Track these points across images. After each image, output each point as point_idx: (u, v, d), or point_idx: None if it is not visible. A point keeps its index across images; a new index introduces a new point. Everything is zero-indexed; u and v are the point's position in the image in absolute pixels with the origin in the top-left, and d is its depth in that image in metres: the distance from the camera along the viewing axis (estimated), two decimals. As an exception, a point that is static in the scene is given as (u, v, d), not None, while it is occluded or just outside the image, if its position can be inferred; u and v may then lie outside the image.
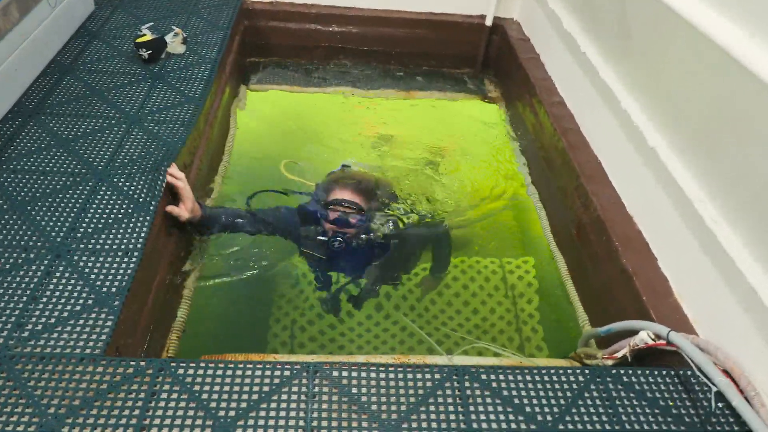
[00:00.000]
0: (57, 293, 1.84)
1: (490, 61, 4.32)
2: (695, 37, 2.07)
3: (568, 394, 1.68)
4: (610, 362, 2.05)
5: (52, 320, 1.76)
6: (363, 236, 2.56)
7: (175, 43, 3.20)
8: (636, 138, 2.38)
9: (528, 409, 1.63)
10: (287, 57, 4.30)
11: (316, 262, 2.70)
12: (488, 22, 4.10)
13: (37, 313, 1.78)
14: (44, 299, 1.82)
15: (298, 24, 4.18)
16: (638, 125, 2.37)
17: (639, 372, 1.76)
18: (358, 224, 2.50)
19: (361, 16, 4.16)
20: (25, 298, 1.81)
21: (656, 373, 1.76)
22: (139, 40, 3.05)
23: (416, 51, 4.29)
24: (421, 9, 4.17)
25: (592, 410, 1.64)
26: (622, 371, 1.76)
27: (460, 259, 3.06)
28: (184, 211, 2.31)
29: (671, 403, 1.67)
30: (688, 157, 2.11)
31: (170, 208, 2.30)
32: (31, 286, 1.86)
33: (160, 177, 2.30)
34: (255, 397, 1.60)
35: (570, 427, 1.59)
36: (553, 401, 1.66)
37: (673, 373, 1.76)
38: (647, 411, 1.65)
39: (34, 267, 1.92)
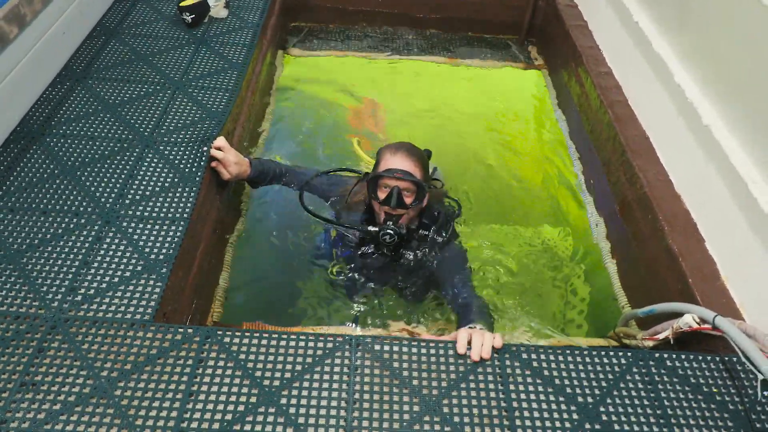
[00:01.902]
0: (107, 259, 1.89)
1: (535, 27, 4.21)
2: (761, 9, 1.98)
3: (610, 376, 1.68)
4: (650, 343, 2.04)
5: (104, 285, 1.81)
6: (422, 230, 2.21)
7: (218, 7, 3.19)
8: (689, 114, 2.30)
9: (569, 390, 1.63)
10: (328, 21, 4.25)
11: (347, 253, 2.39)
12: (535, -13, 3.98)
13: (89, 278, 1.83)
14: (95, 264, 1.87)
15: (339, -13, 4.13)
16: (692, 101, 2.29)
17: (683, 356, 1.75)
18: (414, 204, 2.14)
19: (405, -20, 4.09)
20: (77, 263, 1.87)
21: (700, 358, 1.74)
22: (182, 3, 3.05)
23: (460, 16, 4.20)
24: (465, -27, 4.07)
25: (633, 393, 1.63)
26: (665, 355, 1.75)
27: (498, 229, 3.03)
28: (225, 173, 2.31)
29: (715, 390, 1.66)
30: (745, 136, 2.04)
31: (215, 164, 2.29)
32: (83, 251, 1.91)
33: (206, 150, 2.31)
34: (299, 367, 1.64)
35: (611, 409, 1.59)
36: (594, 383, 1.65)
37: (717, 358, 1.74)
38: (690, 396, 1.64)
39: (85, 232, 1.97)
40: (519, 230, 2.97)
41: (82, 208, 2.05)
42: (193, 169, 2.25)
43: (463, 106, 3.73)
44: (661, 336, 1.98)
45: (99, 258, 1.89)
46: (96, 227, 1.99)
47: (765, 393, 1.63)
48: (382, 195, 2.13)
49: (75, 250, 1.91)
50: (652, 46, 2.65)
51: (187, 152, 2.32)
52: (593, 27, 3.47)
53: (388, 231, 2.12)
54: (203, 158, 2.29)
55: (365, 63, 3.96)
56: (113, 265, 1.88)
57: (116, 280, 1.83)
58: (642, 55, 2.76)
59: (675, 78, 2.43)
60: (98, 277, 1.84)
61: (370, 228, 2.18)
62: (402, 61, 3.98)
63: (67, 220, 2.00)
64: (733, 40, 2.17)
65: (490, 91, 3.88)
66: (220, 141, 2.30)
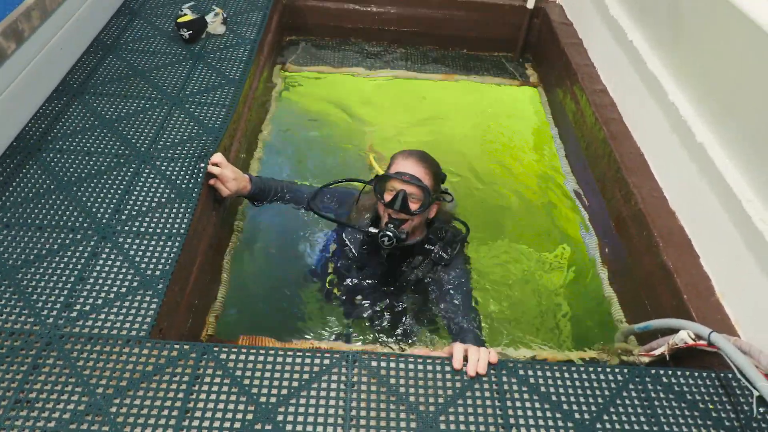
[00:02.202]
0: (103, 274, 1.89)
1: (530, 45, 4.24)
2: (752, 29, 2.01)
3: (606, 392, 1.68)
4: (646, 359, 2.04)
5: (99, 301, 1.81)
6: (427, 245, 2.20)
7: (215, 23, 3.21)
8: (683, 132, 2.33)
9: (566, 406, 1.63)
10: (324, 37, 4.28)
11: (345, 262, 2.39)
12: (530, 5, 4.02)
13: (85, 293, 1.83)
14: (91, 280, 1.87)
15: (335, 3, 4.16)
16: (686, 119, 2.32)
17: (678, 373, 1.75)
18: (418, 212, 2.11)
19: (400, -3, 4.12)
20: (73, 279, 1.86)
21: (696, 374, 1.75)
22: (180, 20, 3.07)
23: (455, 33, 4.23)
24: (461, -10, 4.11)
25: (630, 410, 1.63)
26: (661, 371, 1.75)
27: (494, 244, 3.04)
28: (224, 189, 2.31)
29: (711, 406, 1.66)
30: (738, 154, 2.06)
31: (213, 181, 2.29)
32: (78, 266, 1.90)
33: (203, 166, 2.32)
34: (295, 384, 1.63)
35: (608, 426, 1.59)
36: (591, 399, 1.65)
37: (713, 375, 1.75)
38: (686, 413, 1.64)
39: (81, 248, 1.96)
40: (514, 246, 2.97)
41: (78, 224, 2.05)
42: (190, 185, 2.25)
43: (458, 124, 3.76)
44: (657, 352, 1.98)
45: (95, 274, 1.89)
46: (92, 243, 1.99)
47: (760, 409, 1.64)
48: (388, 197, 2.12)
49: (71, 265, 1.91)
50: (647, 65, 2.68)
51: (183, 168, 2.32)
52: (588, 45, 3.51)
53: (387, 233, 2.10)
54: (200, 174, 2.29)
55: (361, 79, 3.98)
56: (109, 281, 1.87)
57: (112, 295, 1.83)
58: (636, 73, 2.79)
59: (669, 96, 2.46)
60: (94, 293, 1.83)
61: (371, 229, 2.18)
62: (398, 78, 4.01)
63: (63, 235, 2.00)
64: (725, 59, 2.20)
65: (486, 109, 3.90)
66: (218, 157, 2.30)
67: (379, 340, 2.26)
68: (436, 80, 4.02)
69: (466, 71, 4.11)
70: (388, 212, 2.13)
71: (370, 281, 2.33)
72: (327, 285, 2.41)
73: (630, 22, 3.00)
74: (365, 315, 2.34)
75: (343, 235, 2.37)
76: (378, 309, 2.33)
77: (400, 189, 2.08)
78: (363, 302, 2.34)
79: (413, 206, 2.09)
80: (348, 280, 2.36)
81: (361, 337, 2.30)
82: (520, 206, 3.25)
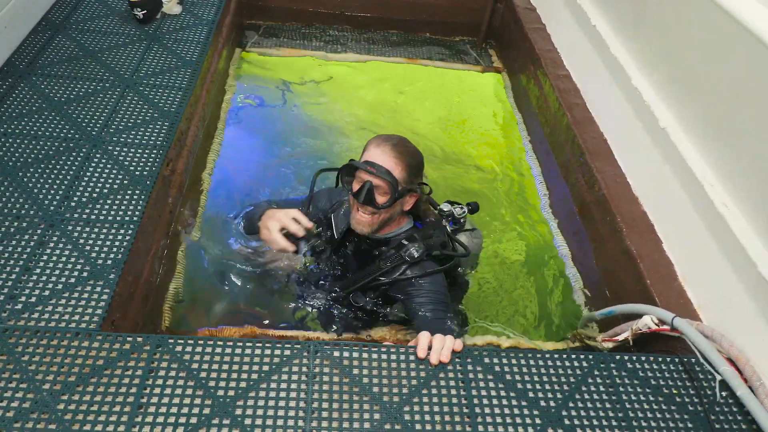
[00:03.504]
0: (51, 264, 1.79)
1: (493, 30, 4.21)
2: (715, 13, 2.00)
3: (572, 379, 1.66)
4: (609, 345, 2.04)
5: (46, 292, 1.72)
6: (404, 240, 2.01)
7: (171, 3, 3.09)
8: (646, 117, 2.32)
9: (531, 394, 1.61)
10: (286, 20, 4.17)
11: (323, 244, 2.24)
12: (493, -11, 3.99)
13: (31, 284, 1.73)
14: (38, 270, 1.77)
15: (297, -15, 4.07)
16: (649, 104, 2.32)
17: (643, 358, 1.75)
18: (385, 206, 1.93)
19: (363, -20, 4.05)
20: (17, 269, 1.76)
21: (660, 359, 1.75)
22: (133, -1, 2.94)
23: (418, 18, 4.18)
24: (424, -26, 4.05)
25: (595, 396, 1.62)
26: (626, 357, 1.75)
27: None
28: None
29: (675, 391, 1.66)
30: (701, 138, 2.07)
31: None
32: (24, 256, 1.80)
33: (159, 153, 2.22)
34: (254, 376, 1.57)
35: (573, 413, 1.58)
36: (556, 387, 1.64)
37: (677, 360, 1.75)
38: (651, 398, 1.63)
39: (27, 236, 1.86)
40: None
41: (24, 211, 1.94)
42: (144, 171, 2.16)
43: (421, 108, 3.71)
44: (620, 337, 1.98)
45: (41, 264, 1.79)
46: (39, 231, 1.88)
47: (723, 393, 1.65)
48: (355, 186, 1.95)
49: (15, 255, 1.80)
50: (610, 50, 2.67)
51: (138, 153, 2.22)
52: (551, 30, 3.50)
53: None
54: (156, 161, 2.20)
55: (323, 63, 3.90)
56: (57, 271, 1.78)
57: (60, 286, 1.74)
58: (600, 58, 2.79)
59: (632, 81, 2.45)
60: (40, 284, 1.73)
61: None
62: (360, 62, 3.94)
63: (7, 223, 1.89)
64: (688, 42, 2.20)
65: (449, 93, 3.86)
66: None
67: (336, 330, 2.17)
68: (399, 64, 3.96)
69: (429, 56, 4.07)
70: (355, 205, 1.98)
71: (338, 268, 2.24)
72: (297, 267, 2.33)
73: (593, 7, 2.99)
74: (328, 298, 2.21)
75: (332, 216, 2.22)
76: (334, 299, 2.19)
77: (366, 180, 1.91)
78: (324, 288, 2.22)
79: (380, 199, 1.92)
80: (320, 265, 2.27)
81: (320, 328, 2.22)
82: (484, 193, 3.22)
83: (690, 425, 1.58)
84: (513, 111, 3.66)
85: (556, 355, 1.73)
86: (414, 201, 2.04)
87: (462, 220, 2.26)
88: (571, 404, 1.60)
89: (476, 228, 2.39)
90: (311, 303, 2.23)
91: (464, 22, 4.21)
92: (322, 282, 2.23)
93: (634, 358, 1.75)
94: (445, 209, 2.24)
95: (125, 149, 2.23)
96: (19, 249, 1.82)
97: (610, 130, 2.66)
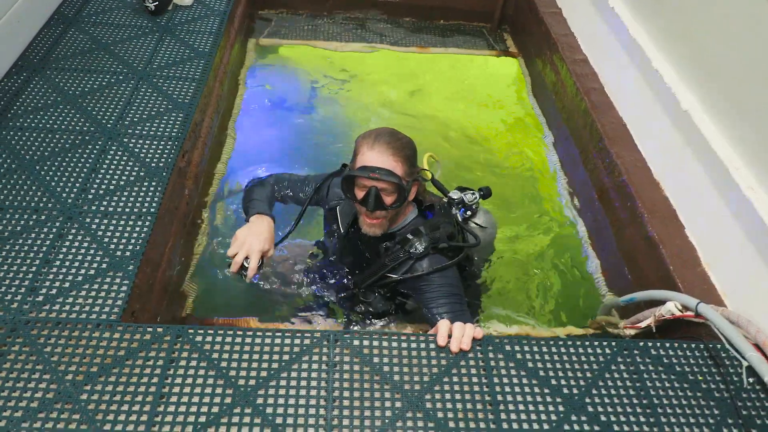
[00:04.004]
0: (70, 257, 1.80)
1: (508, 15, 4.16)
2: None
3: (595, 366, 1.64)
4: (631, 332, 2.02)
5: (66, 284, 1.72)
6: (409, 234, 1.92)
7: (182, -6, 3.08)
8: (667, 99, 2.28)
9: (554, 381, 1.59)
10: (298, 9, 4.15)
11: (330, 239, 2.21)
12: (507, -26, 3.94)
13: (51, 277, 1.74)
14: (57, 263, 1.78)
15: (309, -26, 4.04)
16: (670, 86, 2.27)
17: (667, 345, 1.72)
18: (395, 206, 1.86)
19: (375, -33, 4.01)
20: (38, 262, 1.77)
21: (684, 346, 1.72)
22: (145, -10, 2.93)
23: (433, 4, 4.13)
24: (437, -41, 4.01)
25: (619, 383, 1.60)
26: (649, 344, 1.72)
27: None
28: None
29: (700, 378, 1.63)
30: (725, 120, 2.02)
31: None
32: (44, 249, 1.81)
33: (175, 144, 2.21)
34: (275, 365, 1.57)
35: (597, 400, 1.55)
36: (579, 374, 1.62)
37: (702, 346, 1.72)
38: (676, 385, 1.61)
39: (45, 229, 1.87)
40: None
41: (42, 204, 1.94)
42: (160, 163, 2.15)
43: (437, 95, 3.68)
44: (642, 324, 1.96)
45: (61, 256, 1.80)
46: (57, 224, 1.89)
47: (750, 379, 1.62)
48: (359, 194, 1.86)
49: (35, 248, 1.81)
50: (629, 31, 2.62)
51: (153, 145, 2.22)
52: (567, 14, 3.44)
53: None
54: (172, 152, 2.19)
55: (336, 52, 3.87)
56: (76, 263, 1.78)
57: (80, 278, 1.74)
58: (618, 40, 2.74)
59: (653, 63, 2.41)
60: (60, 276, 1.74)
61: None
62: (375, 50, 3.91)
63: (26, 216, 1.90)
64: (710, 20, 2.15)
65: (464, 80, 3.83)
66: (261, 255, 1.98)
67: (352, 320, 2.13)
68: (413, 52, 3.92)
69: (443, 43, 4.02)
70: (364, 211, 1.89)
71: (347, 260, 2.19)
72: (308, 260, 2.32)
73: (611, -12, 2.94)
74: (338, 295, 2.20)
75: (338, 209, 2.16)
76: (347, 292, 2.15)
77: (370, 186, 1.81)
78: (335, 282, 2.20)
79: (388, 200, 1.84)
80: (330, 258, 2.27)
81: (340, 320, 2.21)
82: (502, 180, 3.19)
83: (716, 411, 1.55)
84: (528, 97, 3.62)
85: (578, 342, 1.71)
86: (416, 189, 1.97)
87: (474, 206, 2.22)
88: (594, 391, 1.58)
89: (489, 213, 2.33)
90: (323, 296, 2.22)
91: (478, 7, 4.15)
92: (331, 276, 2.21)
93: (658, 344, 1.72)
94: (455, 197, 2.20)
95: (140, 141, 2.23)
96: (39, 242, 1.83)
97: (629, 114, 2.62)
